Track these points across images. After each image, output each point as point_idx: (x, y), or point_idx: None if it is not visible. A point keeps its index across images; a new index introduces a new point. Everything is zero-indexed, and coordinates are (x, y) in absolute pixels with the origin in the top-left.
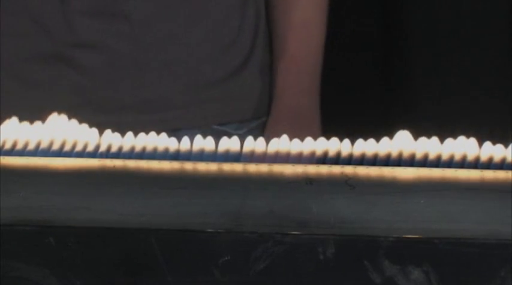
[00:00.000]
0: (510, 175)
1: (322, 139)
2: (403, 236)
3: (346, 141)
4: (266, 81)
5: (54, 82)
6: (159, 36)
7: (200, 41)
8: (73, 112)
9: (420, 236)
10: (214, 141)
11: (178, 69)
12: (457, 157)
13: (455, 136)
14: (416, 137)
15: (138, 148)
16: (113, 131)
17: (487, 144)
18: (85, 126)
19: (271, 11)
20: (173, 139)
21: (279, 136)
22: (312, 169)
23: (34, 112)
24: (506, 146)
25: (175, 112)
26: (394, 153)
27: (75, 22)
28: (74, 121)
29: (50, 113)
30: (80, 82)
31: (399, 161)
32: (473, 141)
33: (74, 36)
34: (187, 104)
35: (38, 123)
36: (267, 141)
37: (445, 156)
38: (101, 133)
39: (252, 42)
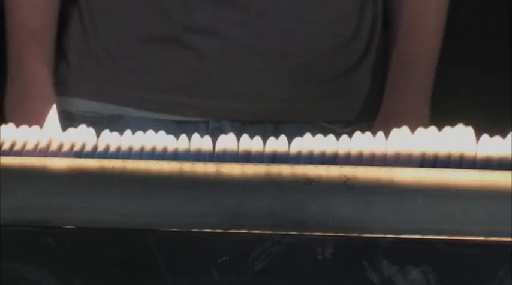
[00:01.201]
0: (508, 176)
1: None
2: (402, 236)
3: (344, 139)
4: (378, 83)
5: (168, 63)
6: (275, 28)
7: (316, 37)
8: (182, 94)
9: (419, 237)
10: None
11: (291, 63)
12: (455, 157)
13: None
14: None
15: (136, 148)
16: (217, 116)
17: (485, 137)
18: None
19: (389, 13)
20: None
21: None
22: (311, 170)
23: (145, 90)
24: (504, 144)
25: (283, 104)
26: (392, 153)
27: (194, 7)
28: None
29: (160, 92)
30: (192, 65)
31: (397, 162)
32: (470, 130)
33: (192, 21)
34: (296, 98)
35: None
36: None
37: (443, 156)
38: (205, 116)
39: (368, 43)
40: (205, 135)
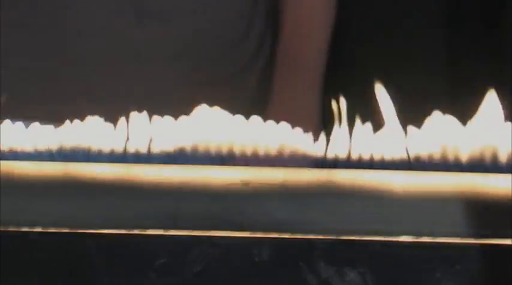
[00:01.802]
0: (443, 177)
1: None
2: (339, 237)
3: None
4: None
5: (58, 71)
6: (166, 29)
7: (206, 37)
8: (71, 100)
9: (355, 238)
10: None
11: (184, 65)
12: (392, 158)
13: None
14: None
15: (73, 149)
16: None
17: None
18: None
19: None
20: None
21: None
22: (248, 171)
23: (36, 99)
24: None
25: (178, 107)
26: (331, 155)
27: (84, 11)
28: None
29: (52, 100)
30: (83, 71)
31: (336, 163)
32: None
33: (82, 25)
34: (191, 100)
35: None
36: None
37: (379, 158)
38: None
39: (259, 44)
40: None
